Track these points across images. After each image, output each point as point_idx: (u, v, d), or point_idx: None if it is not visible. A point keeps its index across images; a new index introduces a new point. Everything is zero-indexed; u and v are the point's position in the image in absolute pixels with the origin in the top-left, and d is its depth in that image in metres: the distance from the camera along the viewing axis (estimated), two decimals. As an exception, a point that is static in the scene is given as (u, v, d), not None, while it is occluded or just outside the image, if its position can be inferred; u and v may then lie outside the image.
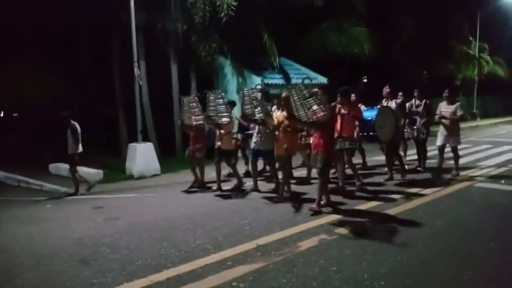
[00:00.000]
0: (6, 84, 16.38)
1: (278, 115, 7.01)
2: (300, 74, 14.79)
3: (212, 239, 4.94)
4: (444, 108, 8.17)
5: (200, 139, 8.12)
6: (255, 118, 7.11)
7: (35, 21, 13.61)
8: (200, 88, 13.06)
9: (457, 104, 8.18)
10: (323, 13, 15.38)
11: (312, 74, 14.93)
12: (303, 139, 7.87)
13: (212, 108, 7.73)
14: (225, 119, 7.63)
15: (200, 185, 8.27)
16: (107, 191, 8.96)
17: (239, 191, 7.68)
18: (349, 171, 7.69)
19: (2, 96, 18.24)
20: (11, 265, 4.36)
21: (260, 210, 6.31)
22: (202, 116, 7.95)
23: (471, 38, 25.99)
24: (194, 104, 8.10)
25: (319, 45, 15.63)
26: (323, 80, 14.92)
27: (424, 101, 9.20)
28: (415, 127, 9.11)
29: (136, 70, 10.98)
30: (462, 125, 22.47)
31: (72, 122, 8.43)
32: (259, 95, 7.20)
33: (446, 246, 4.54)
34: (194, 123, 8.02)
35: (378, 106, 8.20)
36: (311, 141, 6.66)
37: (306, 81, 6.12)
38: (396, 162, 8.51)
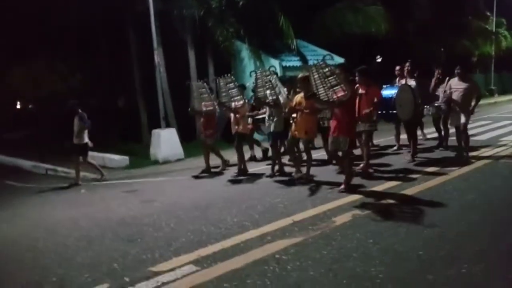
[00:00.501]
0: (22, 76, 16.69)
1: (296, 96, 6.97)
2: (316, 55, 14.73)
3: (249, 216, 5.14)
4: (455, 85, 7.78)
5: (211, 125, 8.12)
6: (268, 101, 7.05)
7: (51, 12, 13.75)
8: (218, 72, 13.18)
9: (473, 81, 7.81)
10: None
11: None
12: (321, 123, 7.73)
13: (224, 93, 7.67)
14: (238, 103, 7.58)
15: (223, 168, 8.37)
16: (135, 176, 9.24)
17: (245, 175, 7.75)
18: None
19: (18, 88, 18.56)
20: (65, 245, 4.62)
21: (288, 189, 6.49)
22: (212, 102, 7.92)
23: (488, 13, 25.46)
24: (203, 89, 8.06)
25: (334, 26, 15.55)
26: (340, 60, 14.86)
27: (447, 78, 9.09)
28: (436, 104, 8.87)
29: (156, 58, 11.13)
30: (480, 102, 22.35)
31: (80, 111, 8.31)
32: (273, 78, 7.14)
33: (478, 218, 4.68)
34: (204, 108, 7.98)
35: (398, 84, 8.19)
36: (330, 124, 6.55)
37: (327, 58, 6.03)
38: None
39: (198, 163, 10.04)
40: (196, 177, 8.17)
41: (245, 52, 13.85)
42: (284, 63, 13.36)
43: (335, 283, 3.30)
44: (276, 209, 5.43)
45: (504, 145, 9.17)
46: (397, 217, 4.81)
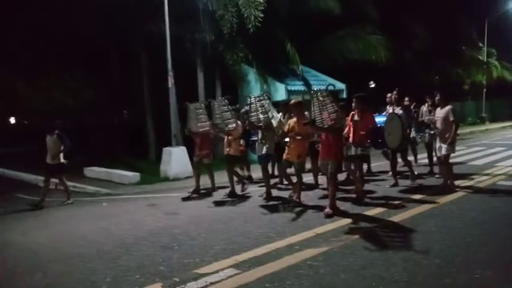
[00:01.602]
0: (30, 90, 16.92)
1: (289, 121, 7.10)
2: (318, 80, 15.47)
3: (272, 228, 5.55)
4: (437, 114, 7.64)
5: (207, 146, 8.34)
6: (260, 125, 7.24)
7: (65, 30, 14.21)
8: (225, 93, 13.71)
9: (447, 108, 7.48)
10: (339, 21, 16.08)
11: (330, 80, 15.57)
12: (316, 146, 7.77)
13: (218, 116, 7.82)
14: (231, 125, 7.71)
15: (212, 191, 8.47)
16: (149, 191, 9.60)
17: (234, 197, 7.80)
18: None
19: (13, 104, 18.68)
20: (105, 252, 5.00)
21: (300, 207, 6.70)
22: (208, 123, 8.10)
23: (480, 44, 26.64)
24: (200, 110, 8.29)
25: (335, 52, 16.30)
26: (341, 86, 15.56)
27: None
28: (429, 132, 8.94)
29: (170, 80, 11.65)
30: (472, 128, 23.23)
31: (58, 132, 8.31)
32: (266, 102, 7.27)
33: (483, 232, 5.12)
34: (201, 129, 8.20)
35: (386, 113, 8.28)
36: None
37: (330, 88, 6.21)
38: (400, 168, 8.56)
39: (207, 180, 10.38)
40: (188, 197, 8.30)
41: (252, 76, 14.45)
42: (289, 87, 13.96)
43: (366, 285, 3.72)
44: (296, 222, 5.85)
45: (500, 169, 9.70)
46: (410, 232, 5.21)
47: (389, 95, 8.80)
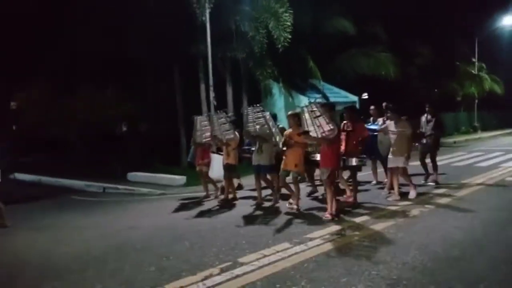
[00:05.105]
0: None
1: (285, 132, 7.58)
2: (333, 93, 17.27)
3: (317, 219, 6.86)
4: (391, 128, 7.81)
5: (208, 155, 9.20)
6: (257, 135, 7.71)
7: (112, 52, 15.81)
8: (250, 105, 15.29)
9: (404, 124, 7.73)
10: (352, 40, 17.93)
11: (343, 93, 17.35)
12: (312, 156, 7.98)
13: (217, 128, 8.39)
14: (229, 136, 8.27)
15: (205, 197, 9.22)
16: (199, 191, 10.64)
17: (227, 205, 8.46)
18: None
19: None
20: (202, 234, 6.40)
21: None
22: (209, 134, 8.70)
23: (473, 59, 28.79)
24: (205, 122, 8.93)
25: (348, 68, 18.12)
26: (354, 98, 17.36)
27: (435, 116, 9.38)
28: (423, 141, 9.29)
29: (211, 94, 13.26)
30: (467, 137, 25.05)
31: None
32: (266, 114, 7.80)
33: (500, 220, 6.28)
34: (204, 140, 8.88)
35: (377, 123, 8.77)
36: (318, 158, 7.19)
37: (318, 101, 7.01)
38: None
39: (244, 182, 11.15)
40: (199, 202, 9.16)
41: (276, 89, 16.17)
42: (311, 100, 15.61)
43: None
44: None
45: (505, 168, 11.26)
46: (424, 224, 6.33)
47: (372, 107, 9.30)
